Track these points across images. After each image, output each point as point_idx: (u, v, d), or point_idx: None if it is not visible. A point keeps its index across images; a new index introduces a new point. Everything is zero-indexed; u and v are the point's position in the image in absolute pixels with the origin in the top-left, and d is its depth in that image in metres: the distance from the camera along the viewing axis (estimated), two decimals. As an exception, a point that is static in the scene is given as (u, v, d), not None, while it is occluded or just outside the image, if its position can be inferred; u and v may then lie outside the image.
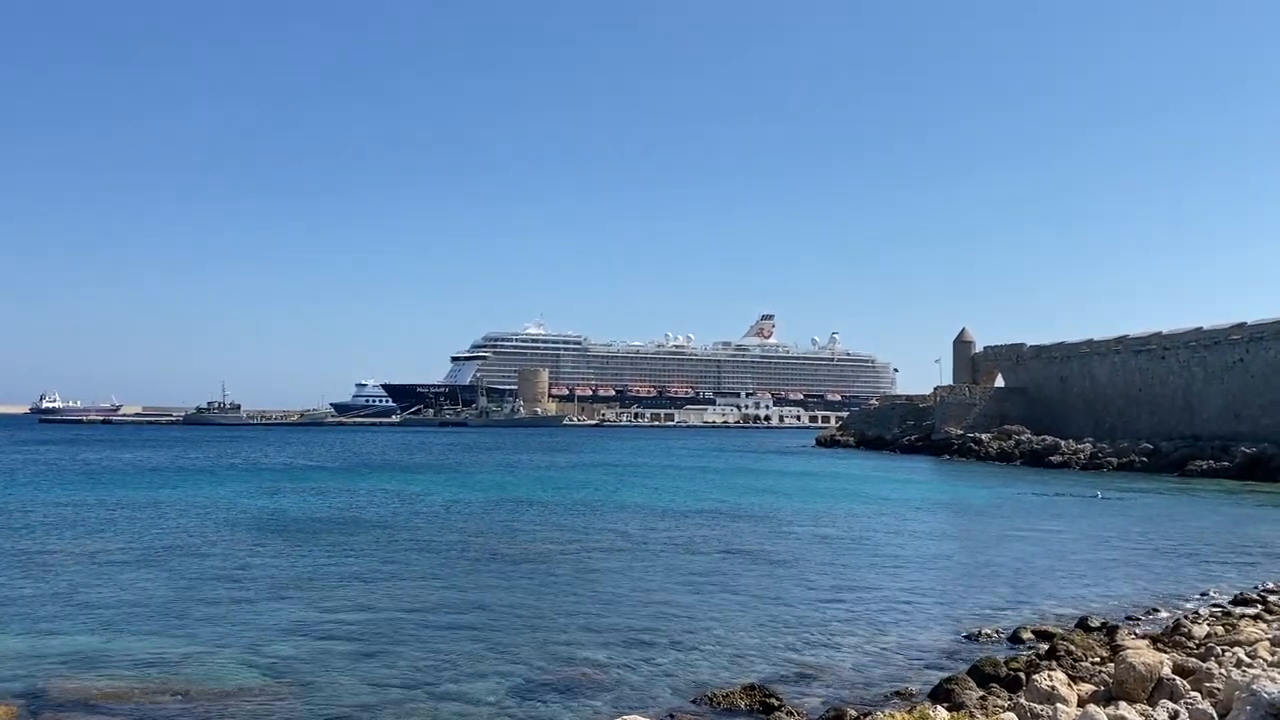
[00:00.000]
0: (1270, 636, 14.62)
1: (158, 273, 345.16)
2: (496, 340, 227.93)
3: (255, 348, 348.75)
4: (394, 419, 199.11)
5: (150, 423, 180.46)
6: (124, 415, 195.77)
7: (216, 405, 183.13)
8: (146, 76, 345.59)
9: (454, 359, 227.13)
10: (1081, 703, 11.06)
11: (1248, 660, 12.87)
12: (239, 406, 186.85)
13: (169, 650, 14.90)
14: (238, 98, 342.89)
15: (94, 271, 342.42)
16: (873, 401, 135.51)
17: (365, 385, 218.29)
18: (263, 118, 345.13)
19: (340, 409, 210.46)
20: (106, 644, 15.29)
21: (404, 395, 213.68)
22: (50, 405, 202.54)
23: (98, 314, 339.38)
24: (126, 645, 15.22)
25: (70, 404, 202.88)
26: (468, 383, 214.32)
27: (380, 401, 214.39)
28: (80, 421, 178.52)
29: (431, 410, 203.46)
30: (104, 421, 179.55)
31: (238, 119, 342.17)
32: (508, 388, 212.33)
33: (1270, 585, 21.36)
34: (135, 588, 20.05)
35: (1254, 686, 7.82)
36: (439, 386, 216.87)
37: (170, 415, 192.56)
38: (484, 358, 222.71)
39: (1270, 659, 12.87)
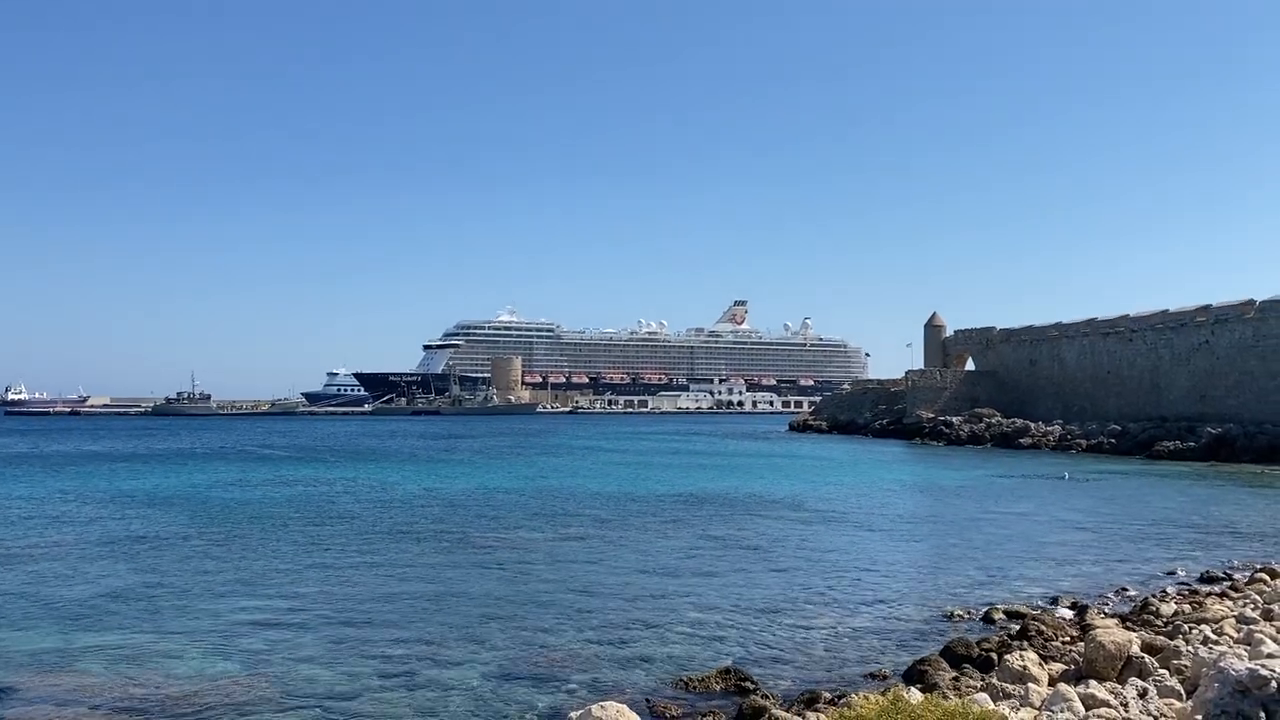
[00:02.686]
0: (1236, 614, 14.85)
1: (126, 262, 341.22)
2: (469, 328, 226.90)
3: (225, 338, 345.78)
4: (366, 408, 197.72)
5: (119, 413, 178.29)
6: (92, 406, 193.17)
7: (186, 396, 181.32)
8: (116, 59, 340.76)
9: (426, 347, 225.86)
10: (1052, 682, 11.20)
11: (1214, 637, 13.06)
12: (209, 397, 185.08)
13: (140, 643, 14.77)
14: (208, 81, 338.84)
15: (61, 261, 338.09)
16: (845, 386, 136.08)
17: (337, 374, 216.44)
18: (234, 104, 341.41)
19: (311, 398, 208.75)
20: (77, 638, 15.14)
21: (376, 384, 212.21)
22: (16, 397, 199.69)
23: (65, 304, 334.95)
24: (97, 639, 15.07)
25: (37, 395, 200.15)
26: (440, 371, 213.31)
27: (352, 390, 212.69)
28: (47, 413, 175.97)
29: (404, 399, 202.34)
30: (71, 413, 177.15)
31: (209, 104, 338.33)
32: (480, 375, 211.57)
33: (1235, 563, 21.73)
34: (104, 581, 19.85)
35: (1221, 664, 7.93)
36: (411, 375, 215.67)
37: (139, 406, 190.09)
38: (456, 346, 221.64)
39: (1236, 636, 13.07)
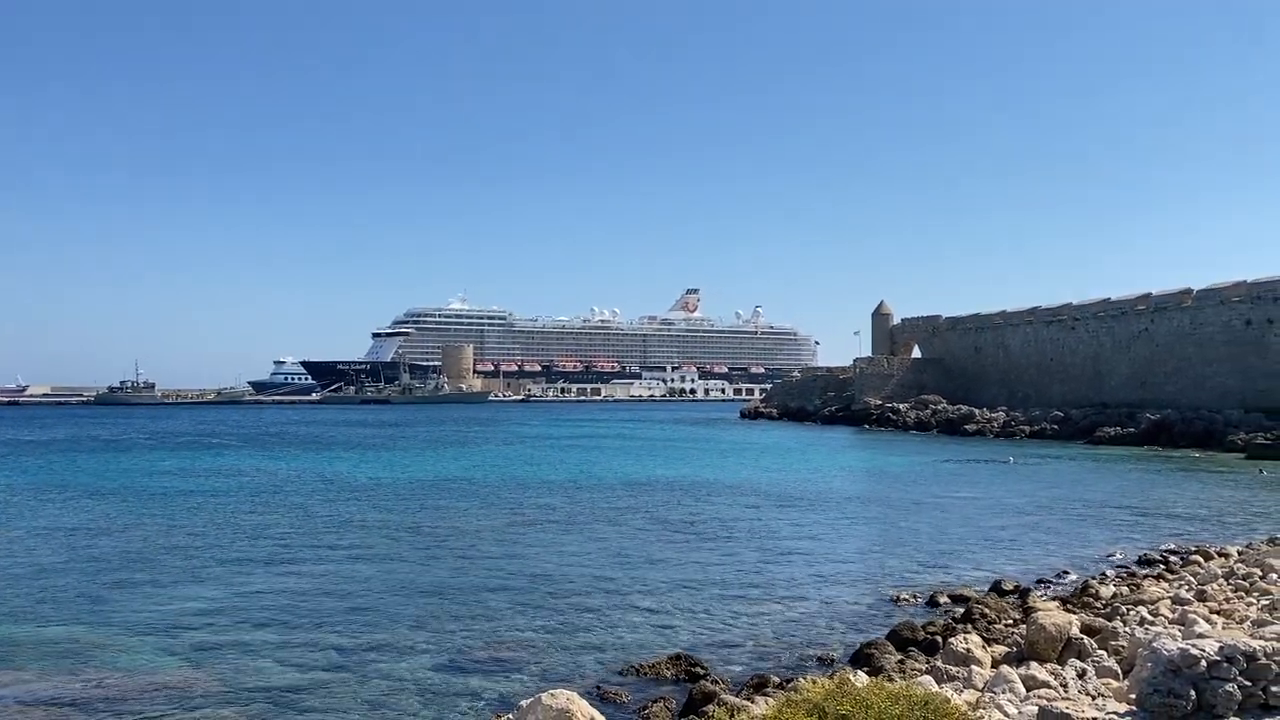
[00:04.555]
0: (1171, 595, 15.26)
1: (66, 249, 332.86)
2: (419, 316, 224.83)
3: (170, 326, 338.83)
4: (314, 397, 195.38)
5: (60, 403, 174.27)
6: (31, 396, 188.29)
7: (129, 385, 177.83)
8: (51, 44, 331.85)
9: (375, 335, 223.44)
10: (995, 664, 11.42)
11: (1150, 618, 13.43)
12: (153, 386, 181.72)
13: (82, 637, 14.51)
14: (152, 66, 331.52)
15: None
16: (795, 374, 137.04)
17: (284, 363, 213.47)
18: (177, 88, 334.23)
19: (258, 387, 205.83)
20: (15, 633, 14.83)
21: (324, 373, 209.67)
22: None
23: (2, 290, 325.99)
24: (37, 634, 14.78)
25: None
26: (390, 359, 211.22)
27: (300, 379, 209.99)
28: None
29: (353, 388, 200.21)
30: (10, 403, 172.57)
31: (150, 89, 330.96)
32: (431, 364, 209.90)
33: (1171, 545, 22.28)
34: (45, 573, 19.45)
35: (1155, 644, 8.16)
36: (360, 363, 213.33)
37: (81, 395, 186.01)
38: (406, 334, 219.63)
39: (1171, 616, 13.44)
